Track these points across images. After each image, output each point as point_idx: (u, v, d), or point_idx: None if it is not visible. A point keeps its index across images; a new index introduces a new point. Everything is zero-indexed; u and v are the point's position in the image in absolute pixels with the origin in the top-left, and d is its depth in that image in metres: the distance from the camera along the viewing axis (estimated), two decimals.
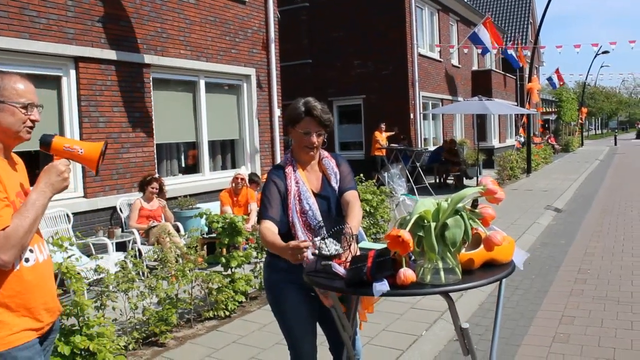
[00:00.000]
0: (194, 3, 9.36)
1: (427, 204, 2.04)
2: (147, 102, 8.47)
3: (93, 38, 7.63)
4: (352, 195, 2.78)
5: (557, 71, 33.26)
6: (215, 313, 5.34)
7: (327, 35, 18.21)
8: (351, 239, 2.31)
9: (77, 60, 7.43)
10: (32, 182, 2.21)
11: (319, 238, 2.40)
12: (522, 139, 20.55)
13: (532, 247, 8.40)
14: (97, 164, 2.18)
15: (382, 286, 2.01)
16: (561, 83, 32.77)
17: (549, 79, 34.03)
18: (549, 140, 31.86)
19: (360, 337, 4.57)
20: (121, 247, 7.27)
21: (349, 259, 2.27)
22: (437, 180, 16.60)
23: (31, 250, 2.09)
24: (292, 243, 2.33)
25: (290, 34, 17.22)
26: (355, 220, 2.61)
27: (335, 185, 2.83)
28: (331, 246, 2.36)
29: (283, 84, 11.71)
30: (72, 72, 7.44)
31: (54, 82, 7.32)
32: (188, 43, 9.22)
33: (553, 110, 42.41)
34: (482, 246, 2.17)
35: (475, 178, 16.31)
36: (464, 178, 16.14)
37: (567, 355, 4.42)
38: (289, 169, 2.79)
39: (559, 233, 9.45)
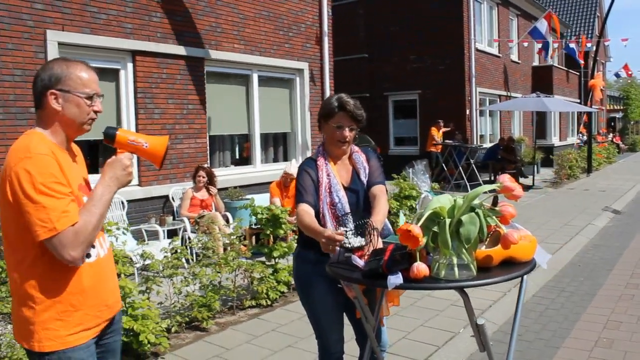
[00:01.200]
0: None
1: (442, 200, 2.07)
2: (201, 95, 8.70)
3: (150, 32, 7.90)
4: (379, 190, 2.84)
5: (625, 66, 31.95)
6: (257, 302, 5.48)
7: (384, 29, 18.12)
8: (373, 232, 2.36)
9: (134, 54, 7.73)
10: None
11: (344, 229, 2.46)
12: (583, 138, 19.88)
13: (584, 249, 8.18)
14: (162, 160, 2.13)
15: (396, 279, 2.06)
16: (629, 73, 31.30)
17: (617, 75, 32.74)
18: (614, 139, 30.71)
19: (394, 331, 4.63)
20: (172, 234, 7.52)
21: (370, 252, 2.32)
22: (492, 178, 16.30)
23: (93, 246, 2.03)
24: (328, 232, 2.39)
25: (347, 29, 17.24)
26: (380, 215, 2.67)
27: (364, 179, 2.89)
28: (353, 239, 2.42)
29: (339, 78, 11.76)
30: (130, 66, 7.74)
31: (113, 75, 7.64)
32: (242, 37, 9.41)
33: (620, 107, 40.83)
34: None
35: (531, 177, 15.92)
36: (520, 176, 15.79)
37: None
38: (320, 162, 2.86)
39: (615, 235, 9.16)
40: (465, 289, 2.14)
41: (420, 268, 2.03)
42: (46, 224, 1.84)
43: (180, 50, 8.32)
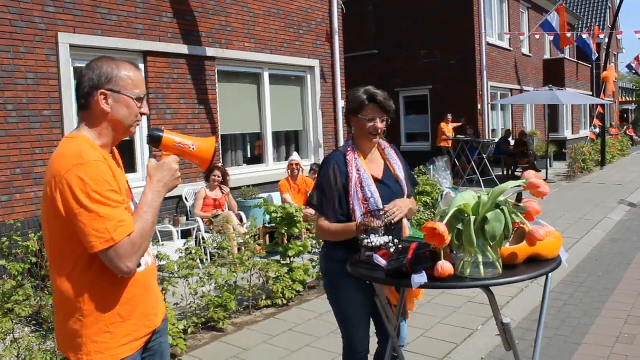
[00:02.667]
0: None
1: (467, 197, 2.03)
2: (212, 94, 8.69)
3: (160, 33, 7.90)
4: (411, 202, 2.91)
5: (637, 58, 31.60)
6: (273, 301, 5.46)
7: (393, 25, 18.04)
8: (393, 230, 2.33)
9: (145, 54, 7.73)
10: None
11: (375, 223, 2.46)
12: (597, 130, 19.69)
13: (601, 243, 8.09)
14: (211, 161, 2.05)
15: (420, 278, 2.02)
16: None
17: (629, 67, 32.40)
18: (627, 132, 30.41)
19: (412, 329, 4.59)
20: (186, 234, 7.53)
21: (391, 251, 2.29)
22: (504, 173, 16.20)
23: None
24: (357, 221, 2.46)
25: (357, 25, 17.18)
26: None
27: (399, 174, 2.89)
28: (376, 238, 2.39)
29: (350, 75, 11.72)
30: (141, 66, 7.73)
31: None
32: (252, 36, 9.38)
33: (633, 99, 40.42)
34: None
35: (544, 171, 15.79)
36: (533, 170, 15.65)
37: (631, 357, 4.25)
38: (350, 156, 2.81)
39: (632, 229, 9.05)
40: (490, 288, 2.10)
41: (445, 267, 2.00)
42: (103, 234, 1.75)
43: (191, 50, 8.32)
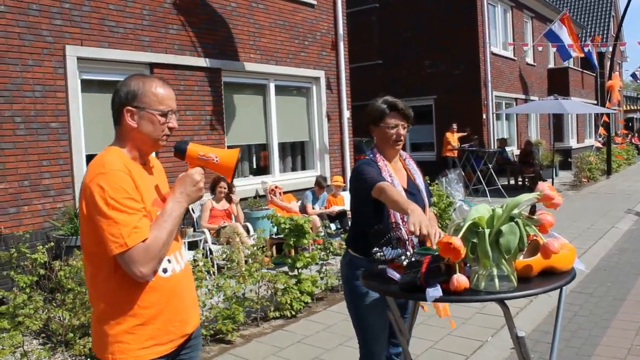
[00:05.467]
0: (264, 8, 9.56)
1: (481, 210, 2.02)
2: (219, 105, 8.72)
3: (167, 45, 7.94)
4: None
5: None
6: (281, 313, 5.44)
7: (397, 35, 18.09)
8: (408, 245, 2.32)
9: (152, 66, 7.76)
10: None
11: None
12: (602, 139, 19.64)
13: (610, 253, 8.05)
14: (234, 172, 2.12)
15: (435, 292, 2.01)
16: None
17: (633, 75, 32.39)
18: (632, 140, 30.34)
19: (421, 341, 4.57)
20: (193, 246, 7.51)
21: (404, 264, 2.27)
22: (510, 182, 16.16)
23: (169, 260, 2.04)
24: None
25: (361, 36, 17.22)
26: None
27: (420, 184, 2.95)
28: (388, 251, 2.38)
29: (354, 85, 11.76)
30: None
31: None
32: (258, 47, 9.42)
33: (637, 108, 40.36)
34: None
35: (550, 180, 15.73)
36: (538, 180, 15.61)
37: None
38: (381, 163, 2.87)
39: None
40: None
41: (460, 280, 1.99)
42: (117, 239, 1.85)
43: (197, 61, 8.35)
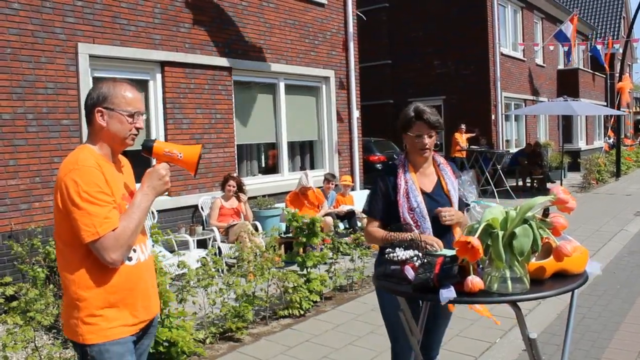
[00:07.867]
0: (274, 7, 9.58)
1: (495, 212, 2.03)
2: (228, 104, 8.75)
3: (178, 43, 7.97)
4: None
5: None
6: (290, 312, 5.46)
7: (407, 35, 18.07)
8: (422, 247, 2.34)
9: (163, 64, 7.80)
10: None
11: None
12: (612, 141, 19.55)
13: (619, 256, 8.02)
14: (196, 167, 2.30)
15: (448, 293, 2.02)
16: None
17: None
18: None
19: None
20: (201, 244, 7.56)
21: (417, 265, 2.29)
22: (518, 184, 16.10)
23: (134, 250, 2.22)
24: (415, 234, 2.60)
25: (370, 35, 17.21)
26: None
27: (452, 191, 2.97)
28: (401, 252, 2.39)
29: (363, 85, 11.75)
30: (158, 76, 7.82)
31: (142, 86, 7.71)
32: (268, 46, 9.44)
33: None
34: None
35: (558, 182, 15.69)
36: (547, 181, 15.57)
37: None
38: (400, 170, 2.97)
39: None
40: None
41: (474, 282, 2.00)
42: (90, 228, 2.04)
43: (208, 60, 8.38)
